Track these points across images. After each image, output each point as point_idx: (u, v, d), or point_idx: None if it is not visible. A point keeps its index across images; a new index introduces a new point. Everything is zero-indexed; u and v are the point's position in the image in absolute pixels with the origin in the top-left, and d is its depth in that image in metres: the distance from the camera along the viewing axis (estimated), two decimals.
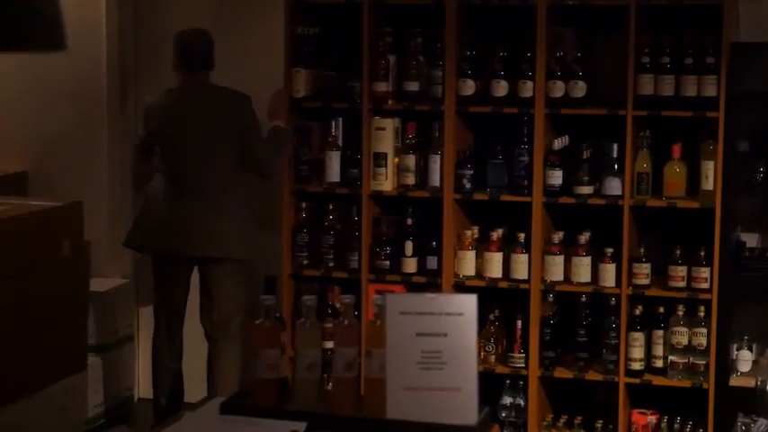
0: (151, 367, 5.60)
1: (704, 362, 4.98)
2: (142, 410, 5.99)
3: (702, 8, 4.90)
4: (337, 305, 4.75)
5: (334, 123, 5.32)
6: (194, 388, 5.54)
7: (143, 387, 6.09)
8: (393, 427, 2.91)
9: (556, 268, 5.12)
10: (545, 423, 5.24)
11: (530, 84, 5.06)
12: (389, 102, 5.27)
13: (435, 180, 5.22)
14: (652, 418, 5.10)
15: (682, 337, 5.01)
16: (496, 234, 5.20)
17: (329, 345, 3.08)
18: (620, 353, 5.05)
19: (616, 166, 5.04)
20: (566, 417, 5.20)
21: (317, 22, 5.39)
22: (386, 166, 5.26)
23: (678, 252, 5.00)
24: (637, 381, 5.08)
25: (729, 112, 4.86)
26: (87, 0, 5.83)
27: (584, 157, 5.10)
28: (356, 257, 5.32)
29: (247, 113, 5.24)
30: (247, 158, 5.24)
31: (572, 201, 5.11)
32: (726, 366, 4.99)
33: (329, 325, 3.80)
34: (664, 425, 5.10)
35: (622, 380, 5.07)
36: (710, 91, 4.89)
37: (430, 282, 5.25)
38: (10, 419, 4.38)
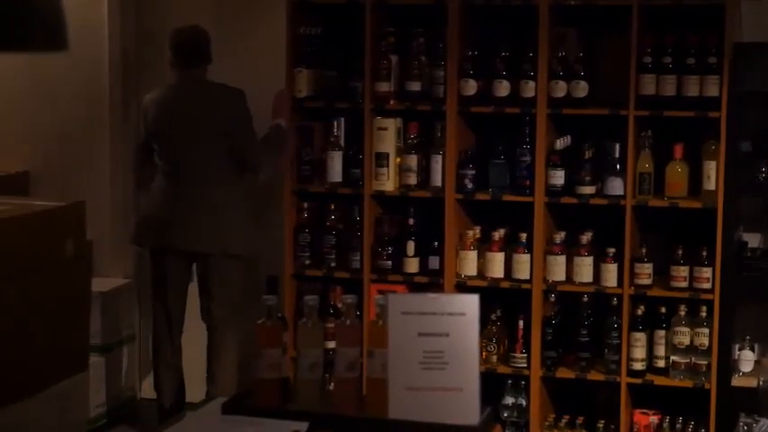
0: (152, 366, 5.62)
1: (706, 362, 4.98)
2: (144, 410, 5.99)
3: (705, 8, 4.90)
4: (339, 305, 4.75)
5: (336, 123, 5.32)
6: (195, 388, 5.54)
7: (145, 387, 6.09)
8: (395, 427, 2.91)
9: (558, 268, 5.12)
10: (547, 423, 5.24)
11: (532, 84, 5.06)
12: (391, 102, 5.27)
13: (437, 180, 5.22)
14: (654, 419, 5.10)
15: (684, 337, 5.01)
16: (498, 234, 5.20)
17: (331, 345, 3.08)
18: (622, 353, 5.05)
19: (618, 166, 5.04)
20: (567, 417, 5.20)
21: (319, 21, 5.39)
22: (388, 166, 5.26)
23: (680, 252, 5.00)
24: (639, 381, 5.07)
25: (731, 113, 4.85)
26: (89, 1, 5.83)
27: (586, 157, 5.10)
28: (358, 257, 5.32)
29: (239, 108, 5.26)
30: (236, 152, 5.26)
31: (574, 201, 5.11)
32: (728, 366, 4.99)
33: (331, 325, 3.81)
34: (666, 425, 5.10)
35: (624, 380, 5.07)
36: (713, 91, 4.89)
37: (432, 282, 5.25)
38: (11, 419, 4.38)
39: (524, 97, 5.08)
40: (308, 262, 5.40)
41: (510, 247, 5.21)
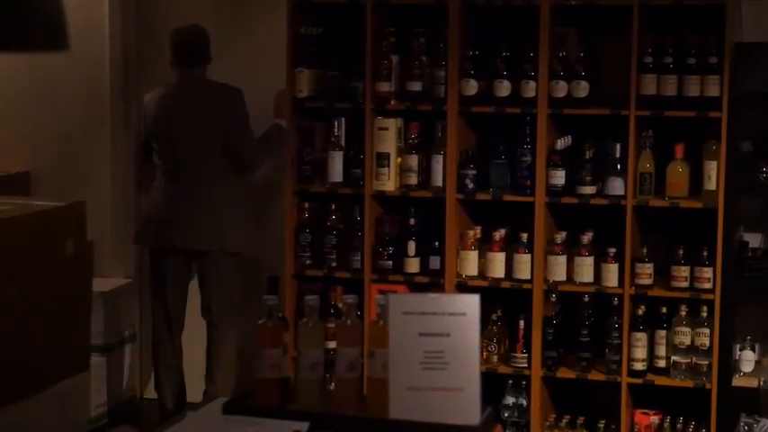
0: (153, 366, 5.62)
1: (707, 362, 4.98)
2: (145, 410, 5.99)
3: (705, 8, 4.90)
4: (340, 305, 4.75)
5: (336, 123, 5.32)
6: (195, 387, 5.54)
7: (146, 387, 6.09)
8: (396, 428, 2.91)
9: (558, 268, 5.12)
10: (548, 423, 5.24)
11: (532, 84, 5.06)
12: (392, 102, 5.27)
13: (438, 180, 5.22)
14: (655, 419, 5.10)
15: (684, 337, 5.01)
16: (499, 234, 5.20)
17: (332, 345, 3.08)
18: (623, 353, 5.05)
19: (619, 166, 5.04)
20: (568, 417, 5.20)
21: (319, 21, 5.39)
22: (388, 166, 5.26)
23: (681, 252, 5.00)
24: (639, 381, 5.07)
25: (732, 112, 4.85)
26: (90, 0, 5.83)
27: (587, 157, 5.10)
28: (359, 257, 5.32)
29: (237, 106, 5.28)
30: (232, 151, 5.28)
31: (575, 201, 5.11)
32: (728, 366, 4.99)
33: (332, 325, 3.81)
34: (666, 425, 5.10)
35: (625, 380, 5.07)
36: (713, 91, 4.89)
37: (433, 282, 5.25)
38: (12, 419, 4.38)
39: (525, 97, 5.08)
40: (308, 262, 5.40)
41: (511, 247, 5.21)
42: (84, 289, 5.04)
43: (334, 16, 5.43)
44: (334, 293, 5.24)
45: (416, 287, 5.22)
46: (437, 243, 5.25)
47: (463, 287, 5.19)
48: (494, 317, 5.24)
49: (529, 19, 5.04)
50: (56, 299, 4.68)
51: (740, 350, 5.10)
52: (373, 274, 5.30)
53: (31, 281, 4.52)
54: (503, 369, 5.23)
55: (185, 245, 5.32)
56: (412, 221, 5.27)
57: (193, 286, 5.50)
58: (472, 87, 5.15)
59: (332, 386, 3.07)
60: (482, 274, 5.23)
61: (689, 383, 5.01)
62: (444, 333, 2.89)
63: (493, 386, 4.72)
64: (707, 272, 4.96)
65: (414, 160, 5.25)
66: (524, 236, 5.14)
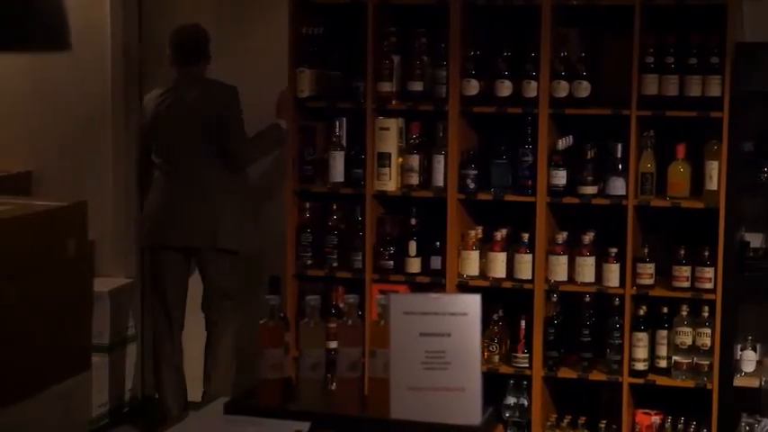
0: (154, 365, 5.63)
1: (708, 362, 4.98)
2: (146, 410, 5.99)
3: (707, 8, 4.90)
4: (341, 305, 4.77)
5: (338, 123, 5.32)
6: (195, 387, 5.55)
7: (147, 386, 6.09)
8: (397, 427, 2.91)
9: (560, 268, 5.12)
10: (549, 423, 5.24)
11: (534, 84, 5.06)
12: (393, 102, 5.27)
13: (439, 180, 5.22)
14: (656, 419, 5.10)
15: (686, 337, 5.00)
16: (500, 234, 5.20)
17: (333, 345, 3.07)
18: (624, 353, 5.05)
19: (620, 166, 5.04)
20: (569, 417, 5.20)
21: (321, 21, 5.39)
22: (390, 166, 5.26)
23: (682, 252, 5.00)
24: (641, 381, 5.07)
25: (734, 112, 4.85)
26: (91, 1, 5.83)
27: (589, 157, 5.10)
28: (360, 257, 5.32)
29: (230, 103, 5.31)
30: (223, 147, 5.28)
31: (576, 201, 5.11)
32: (730, 367, 4.99)
33: (333, 325, 3.81)
34: (668, 425, 5.10)
35: (626, 380, 5.07)
36: (715, 91, 4.89)
37: (434, 282, 5.25)
38: (14, 419, 4.38)
39: (526, 97, 5.08)
40: (309, 262, 5.41)
41: (512, 247, 5.21)
42: (86, 289, 5.05)
43: (336, 16, 5.43)
44: (336, 293, 5.24)
45: (418, 287, 5.22)
46: (438, 243, 5.25)
47: (464, 287, 5.19)
48: (495, 317, 5.23)
49: (530, 19, 5.04)
50: (57, 299, 4.69)
51: (741, 350, 5.10)
52: (374, 274, 5.30)
53: (32, 281, 4.53)
54: (504, 369, 5.23)
55: (180, 242, 5.34)
56: (413, 221, 5.27)
57: (193, 285, 5.51)
58: (473, 87, 5.15)
59: (333, 386, 3.07)
60: (483, 274, 5.23)
61: (690, 383, 5.01)
62: (445, 333, 2.89)
63: (494, 386, 4.73)
64: (708, 272, 4.96)
65: (415, 160, 5.25)
66: (525, 236, 5.14)
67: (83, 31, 5.54)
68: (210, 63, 5.43)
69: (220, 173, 5.33)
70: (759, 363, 5.12)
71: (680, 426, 5.08)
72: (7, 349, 4.37)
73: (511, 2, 5.13)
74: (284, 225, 5.44)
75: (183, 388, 5.54)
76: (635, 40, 4.93)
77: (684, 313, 5.00)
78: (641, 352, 5.04)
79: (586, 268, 5.09)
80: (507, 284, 5.20)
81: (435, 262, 5.26)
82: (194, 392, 5.54)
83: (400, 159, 5.28)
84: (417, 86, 5.24)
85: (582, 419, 5.19)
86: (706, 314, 4.97)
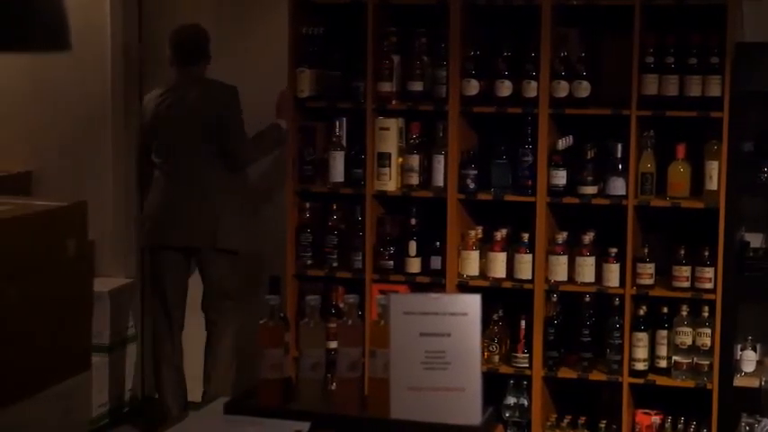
0: (154, 365, 5.63)
1: (708, 362, 4.98)
2: (146, 410, 5.99)
3: (707, 8, 4.90)
4: (341, 305, 4.77)
5: (338, 123, 5.32)
6: (195, 387, 5.55)
7: (148, 386, 6.10)
8: (397, 428, 2.91)
9: (560, 268, 5.11)
10: (549, 423, 5.24)
11: (534, 84, 5.06)
12: (393, 102, 5.27)
13: (439, 180, 5.22)
14: (656, 419, 5.10)
15: (686, 337, 5.00)
16: (500, 234, 5.20)
17: (333, 345, 3.07)
18: (624, 353, 5.05)
19: (620, 166, 5.04)
20: (569, 417, 5.20)
21: (321, 21, 5.39)
22: (390, 166, 5.26)
23: (682, 252, 5.00)
24: (641, 381, 5.07)
25: (734, 112, 4.85)
26: (91, 1, 5.83)
27: (589, 157, 5.10)
28: (360, 257, 5.32)
29: (230, 103, 5.32)
30: (223, 146, 5.29)
31: (576, 201, 5.11)
32: (730, 367, 4.99)
33: (333, 325, 3.81)
34: (668, 425, 5.10)
35: (626, 380, 5.07)
36: (715, 91, 4.89)
37: (434, 282, 5.25)
38: (14, 419, 4.38)
39: (526, 97, 5.08)
40: (309, 262, 5.41)
41: (512, 247, 5.21)
42: (86, 289, 5.05)
43: (336, 16, 5.43)
44: (336, 293, 5.24)
45: (418, 287, 5.22)
46: (438, 243, 5.25)
47: (464, 287, 5.19)
48: (495, 317, 5.23)
49: (530, 19, 5.04)
50: (57, 299, 4.69)
51: (741, 350, 5.10)
52: (374, 274, 5.30)
53: (32, 281, 4.53)
54: (504, 369, 5.23)
55: (180, 242, 5.35)
56: (413, 221, 5.27)
57: (193, 285, 5.51)
58: (473, 87, 5.14)
59: (333, 386, 3.07)
60: (483, 274, 5.23)
61: (690, 383, 5.01)
62: (445, 333, 2.89)
63: (494, 386, 4.73)
64: (708, 272, 4.96)
65: (415, 160, 5.25)
66: (525, 236, 5.14)
67: (83, 31, 5.54)
68: (210, 63, 5.44)
69: (220, 173, 5.33)
70: (759, 363, 5.12)
71: (680, 426, 5.08)
72: (7, 349, 4.37)
73: (511, 2, 5.13)
74: (284, 225, 5.44)
75: (183, 388, 5.54)
76: (635, 40, 4.93)
77: (684, 313, 5.00)
78: (641, 352, 5.04)
79: (586, 268, 5.09)
80: (507, 284, 5.20)
81: (435, 262, 5.26)
82: (194, 392, 5.54)
83: (400, 159, 5.28)
84: (417, 86, 5.24)
85: (582, 419, 5.19)
86: (706, 314, 4.97)
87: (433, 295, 3.16)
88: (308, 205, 5.41)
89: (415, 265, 5.27)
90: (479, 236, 5.26)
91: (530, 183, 5.12)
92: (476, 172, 5.19)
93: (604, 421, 5.14)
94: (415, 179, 5.26)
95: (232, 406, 3.06)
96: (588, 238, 5.09)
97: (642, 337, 5.03)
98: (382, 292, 4.77)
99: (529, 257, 5.14)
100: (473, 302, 2.92)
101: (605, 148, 5.08)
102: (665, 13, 5.00)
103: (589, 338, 5.11)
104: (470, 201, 5.26)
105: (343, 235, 5.36)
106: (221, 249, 5.34)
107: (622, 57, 5.00)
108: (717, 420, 4.95)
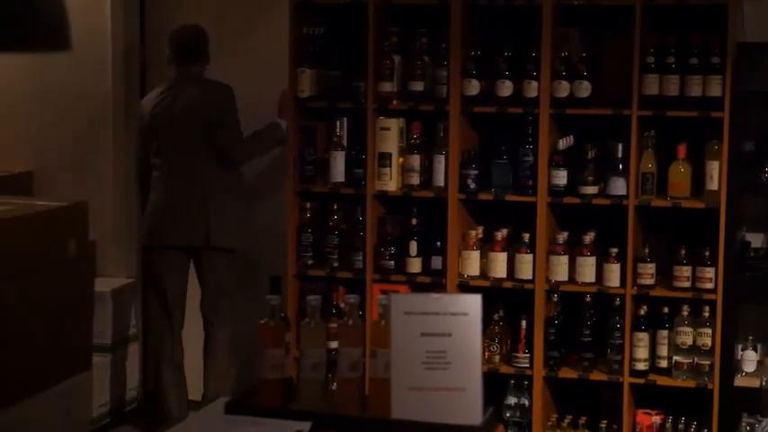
0: (154, 365, 5.63)
1: (709, 362, 4.98)
2: (147, 409, 5.99)
3: (707, 8, 4.90)
4: (342, 305, 4.77)
5: (338, 123, 5.32)
6: (195, 387, 5.55)
7: (148, 386, 6.09)
8: (398, 427, 2.90)
9: (560, 268, 5.11)
10: (549, 423, 5.24)
11: (534, 84, 5.06)
12: (394, 102, 5.27)
13: (440, 180, 5.22)
14: (657, 419, 5.10)
15: (686, 337, 5.00)
16: (501, 234, 5.20)
17: (334, 345, 3.07)
18: (625, 353, 5.05)
19: (621, 166, 5.04)
20: (570, 417, 5.20)
21: (322, 21, 5.39)
22: (390, 166, 5.26)
23: (683, 252, 5.00)
24: (641, 381, 5.07)
25: (734, 112, 4.85)
26: (92, 1, 5.84)
27: (589, 157, 5.10)
28: (361, 257, 5.32)
29: (225, 102, 5.32)
30: (219, 146, 5.29)
31: (577, 201, 5.11)
32: (730, 367, 4.99)
33: (334, 325, 3.79)
34: (668, 425, 5.10)
35: (627, 380, 5.07)
36: (716, 91, 4.89)
37: (434, 282, 5.25)
38: (14, 419, 4.38)
39: (527, 97, 5.08)
40: (310, 262, 5.41)
41: (513, 247, 5.21)
42: (86, 289, 5.05)
43: (337, 16, 5.43)
44: (336, 293, 5.24)
45: (418, 287, 5.22)
46: (439, 243, 5.25)
47: (465, 287, 5.19)
48: (496, 317, 5.24)
49: (531, 19, 5.04)
50: (58, 299, 4.69)
51: (742, 350, 5.10)
52: (375, 274, 5.31)
53: (32, 281, 4.53)
54: (505, 369, 5.23)
55: (180, 242, 5.35)
56: (414, 221, 5.27)
57: (192, 285, 5.51)
58: (474, 87, 5.14)
59: (334, 386, 3.07)
60: (484, 274, 5.23)
61: (691, 383, 5.00)
62: (446, 333, 2.89)
63: (495, 386, 4.73)
64: (709, 272, 4.96)
65: (416, 160, 5.25)
66: (526, 236, 5.14)
67: (83, 31, 5.54)
68: (209, 64, 5.45)
69: (219, 172, 5.33)
70: (760, 363, 5.12)
71: (680, 426, 5.08)
72: (7, 349, 4.37)
73: (512, 2, 5.13)
74: (285, 225, 5.45)
75: (183, 388, 5.54)
76: (636, 40, 4.93)
77: (685, 313, 5.00)
78: (642, 352, 5.04)
79: (587, 268, 5.09)
80: (508, 284, 5.20)
81: (436, 262, 5.26)
82: (194, 392, 5.54)
83: (401, 159, 5.28)
84: (418, 86, 5.24)
85: (583, 419, 5.19)
86: (707, 314, 4.97)
87: (434, 295, 3.16)
88: (308, 205, 5.41)
89: (415, 265, 5.27)
90: (480, 236, 5.26)
91: (530, 183, 5.12)
92: (476, 172, 5.19)
93: (605, 421, 5.14)
94: (415, 179, 5.26)
95: (233, 406, 3.06)
96: (589, 238, 5.09)
97: (643, 337, 5.03)
98: (383, 292, 4.77)
99: (529, 257, 5.14)
100: (474, 302, 2.91)
101: (606, 148, 5.08)
102: (665, 12, 5.00)
103: (590, 338, 5.11)
104: (471, 201, 5.26)
105: (343, 235, 5.36)
106: (218, 248, 5.34)
107: (623, 57, 5.00)
108: (717, 420, 4.95)
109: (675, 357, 5.03)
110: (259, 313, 3.10)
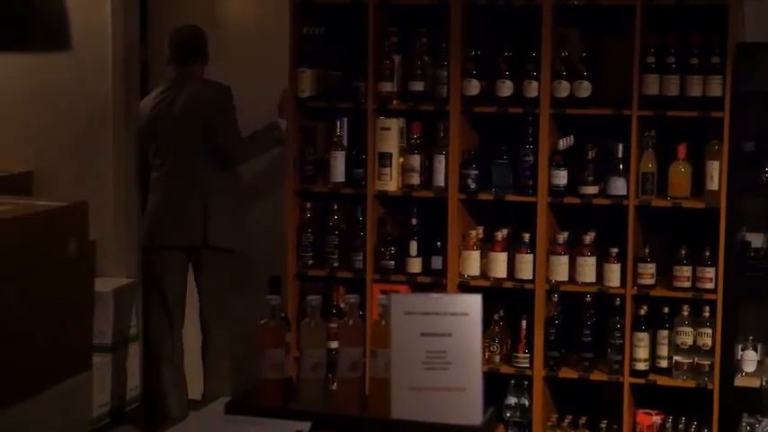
0: (154, 365, 5.63)
1: (709, 362, 4.98)
2: (147, 409, 5.98)
3: (708, 8, 4.90)
4: (342, 305, 4.77)
5: (339, 123, 5.33)
6: (194, 387, 5.55)
7: (148, 386, 6.09)
8: (398, 427, 2.90)
9: (561, 268, 5.11)
10: (550, 423, 5.24)
11: (535, 84, 5.06)
12: (394, 102, 5.27)
13: (440, 180, 5.22)
14: (657, 419, 5.10)
15: (686, 337, 5.00)
16: (501, 234, 5.20)
17: (334, 345, 3.07)
18: (625, 353, 5.05)
19: (621, 166, 5.04)
20: (570, 417, 5.20)
21: (322, 21, 5.40)
22: (391, 166, 5.26)
23: (683, 252, 5.00)
24: (641, 381, 5.07)
25: (734, 112, 4.85)
26: (92, 1, 5.83)
27: (590, 157, 5.10)
28: (361, 257, 5.32)
29: (223, 102, 5.33)
30: (217, 145, 5.30)
31: (577, 201, 5.11)
32: (731, 366, 4.99)
33: (334, 325, 3.79)
34: (668, 425, 5.10)
35: (627, 380, 5.07)
36: (716, 91, 4.89)
37: (435, 282, 5.25)
38: (14, 419, 4.38)
39: (527, 97, 5.08)
40: (310, 262, 5.41)
41: (513, 247, 5.21)
42: (87, 289, 5.04)
43: (337, 16, 5.43)
44: (337, 293, 5.24)
45: (418, 287, 5.22)
46: (439, 243, 5.25)
47: (465, 287, 5.19)
48: (496, 317, 5.24)
49: (531, 19, 5.04)
50: (58, 299, 4.69)
51: (742, 350, 5.10)
52: (375, 274, 5.31)
53: (33, 281, 4.53)
54: (505, 369, 5.23)
55: (180, 242, 5.36)
56: (414, 221, 5.27)
57: (193, 284, 5.51)
58: (474, 87, 5.14)
59: (334, 386, 3.07)
60: (484, 274, 5.23)
61: (691, 383, 5.00)
62: (446, 333, 2.89)
63: (495, 386, 4.73)
64: (709, 272, 4.96)
65: (416, 160, 5.25)
66: (526, 236, 5.14)
67: (84, 31, 5.53)
68: (208, 64, 5.45)
69: (218, 172, 5.34)
70: (760, 363, 5.12)
71: (681, 426, 5.08)
72: (7, 349, 4.37)
73: (512, 2, 5.13)
74: (285, 225, 5.45)
75: (183, 387, 5.54)
76: (636, 40, 4.93)
77: (685, 313, 5.00)
78: (642, 352, 5.04)
79: (587, 268, 5.09)
80: (508, 284, 5.20)
81: (436, 262, 5.26)
82: (194, 392, 5.54)
83: (401, 159, 5.28)
84: (418, 86, 5.24)
85: (583, 419, 5.19)
86: (707, 314, 4.97)
87: (434, 295, 3.16)
88: (308, 205, 5.41)
89: (415, 265, 5.27)
90: (480, 236, 5.26)
91: (531, 183, 5.12)
92: (477, 172, 5.19)
93: (605, 421, 5.14)
94: (415, 179, 5.26)
95: (233, 406, 3.06)
96: (589, 238, 5.09)
97: (643, 337, 5.03)
98: (383, 292, 4.77)
99: (530, 257, 5.14)
100: (474, 302, 2.91)
101: (606, 148, 5.09)
102: (666, 12, 5.00)
103: (590, 338, 5.11)
104: (471, 201, 5.26)
105: (343, 235, 5.37)
106: (216, 248, 5.34)
107: (623, 57, 5.00)
108: (718, 420, 4.95)
109: (676, 357, 5.03)
110: (259, 313, 3.10)
